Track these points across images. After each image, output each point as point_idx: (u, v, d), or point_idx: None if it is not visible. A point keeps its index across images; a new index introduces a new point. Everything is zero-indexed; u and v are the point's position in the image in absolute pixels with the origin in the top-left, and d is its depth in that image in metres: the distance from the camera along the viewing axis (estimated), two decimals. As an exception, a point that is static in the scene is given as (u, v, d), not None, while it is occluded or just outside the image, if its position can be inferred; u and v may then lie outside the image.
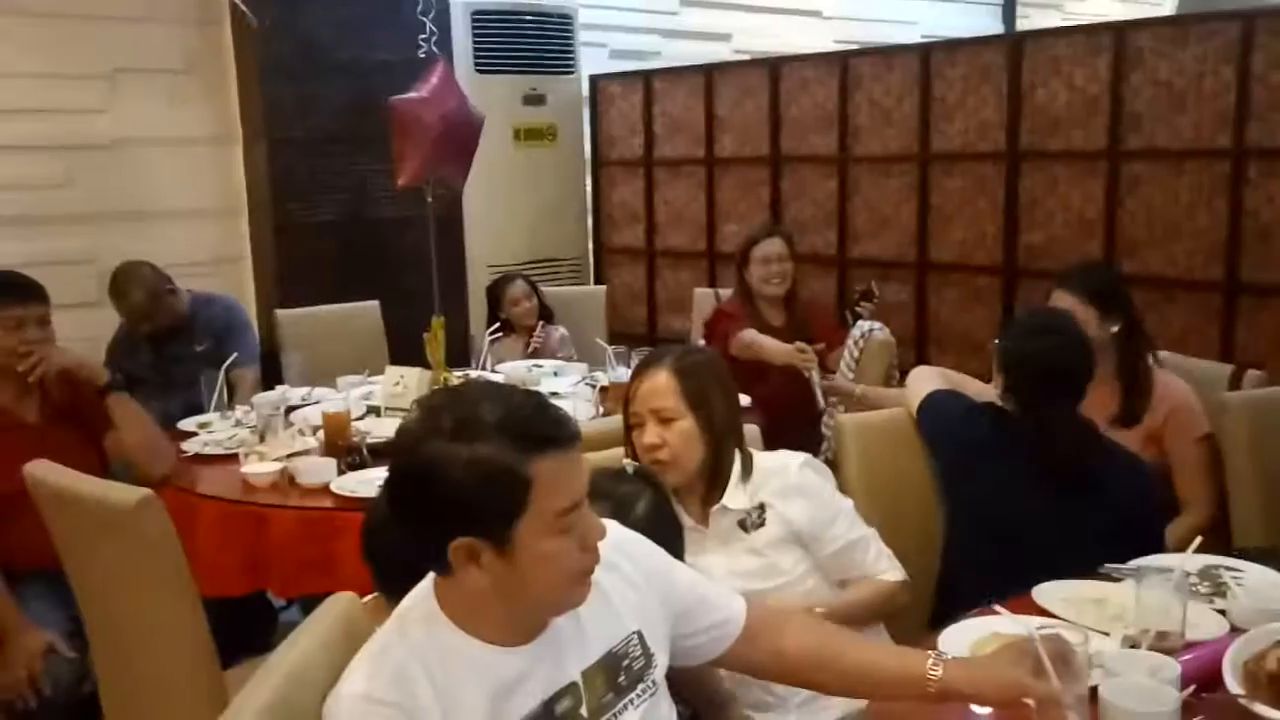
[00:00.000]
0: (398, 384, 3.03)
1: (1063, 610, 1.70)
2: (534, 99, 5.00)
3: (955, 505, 2.22)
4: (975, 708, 1.41)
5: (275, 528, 2.38)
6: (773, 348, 3.33)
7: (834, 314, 3.79)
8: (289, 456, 2.61)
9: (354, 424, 2.80)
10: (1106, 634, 1.60)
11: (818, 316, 3.68)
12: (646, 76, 5.12)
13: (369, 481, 2.39)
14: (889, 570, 1.92)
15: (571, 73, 5.13)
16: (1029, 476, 2.07)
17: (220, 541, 2.41)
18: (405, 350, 3.52)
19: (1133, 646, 1.52)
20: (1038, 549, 1.98)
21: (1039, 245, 3.84)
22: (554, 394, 2.98)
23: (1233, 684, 1.41)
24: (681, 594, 1.45)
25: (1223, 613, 1.68)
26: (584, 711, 1.29)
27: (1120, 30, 3.61)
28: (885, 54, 4.35)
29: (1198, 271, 3.45)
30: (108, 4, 4.02)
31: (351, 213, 4.48)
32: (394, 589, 1.36)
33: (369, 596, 1.54)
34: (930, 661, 1.39)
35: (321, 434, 2.74)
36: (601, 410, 2.97)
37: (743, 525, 1.88)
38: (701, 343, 3.56)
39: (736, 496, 1.88)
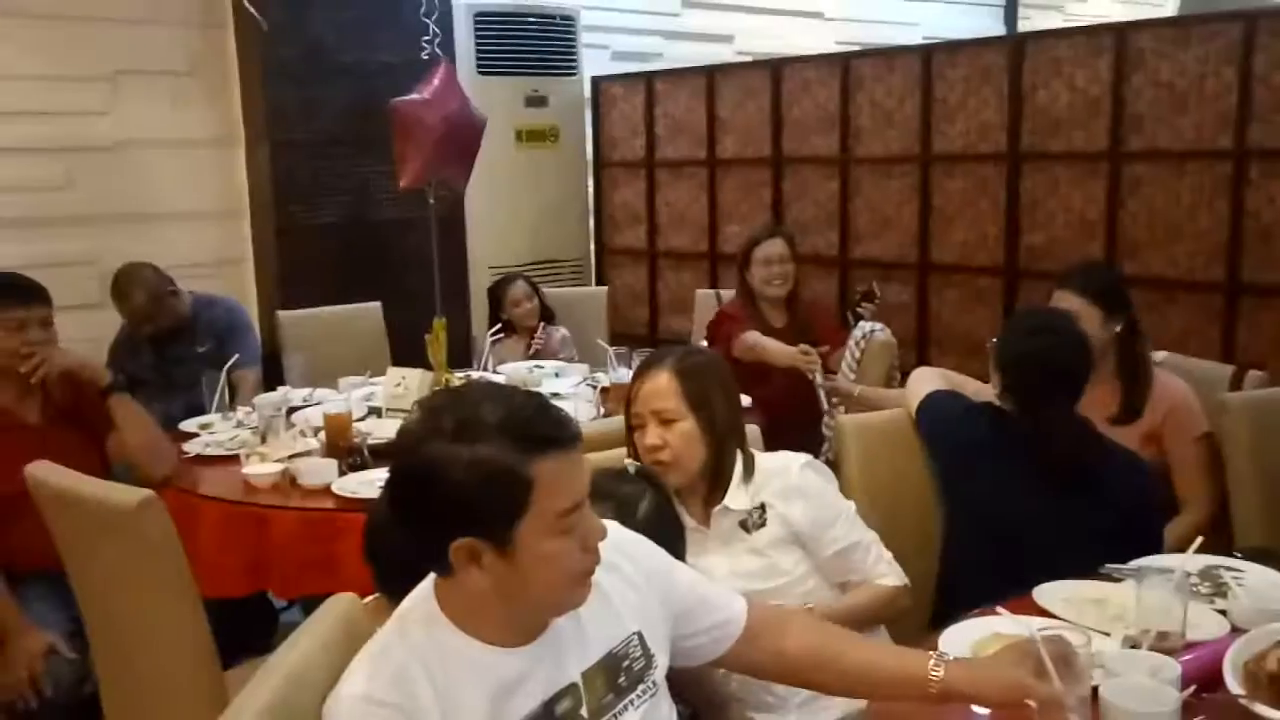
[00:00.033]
0: (399, 385, 3.03)
1: (1063, 610, 1.70)
2: (536, 100, 5.01)
3: (954, 505, 2.22)
4: (976, 709, 1.41)
5: (276, 529, 2.38)
6: (776, 350, 3.33)
7: (835, 315, 3.79)
8: (290, 457, 2.61)
9: (355, 425, 2.80)
10: (1107, 634, 1.60)
11: (819, 317, 3.68)
12: (648, 78, 5.12)
13: (370, 482, 2.40)
14: (888, 575, 1.91)
15: (573, 74, 5.13)
16: (1027, 476, 2.07)
17: (221, 542, 2.41)
18: (407, 351, 3.53)
19: (1133, 647, 1.52)
20: (1036, 549, 1.98)
21: (1040, 246, 3.84)
22: (555, 395, 2.99)
23: (1233, 684, 1.41)
24: (682, 594, 1.45)
25: (1223, 613, 1.68)
26: (584, 712, 1.29)
27: (1121, 31, 3.61)
28: (887, 55, 4.36)
29: (1199, 272, 3.45)
30: (109, 6, 4.03)
31: (353, 214, 4.48)
32: (395, 590, 1.36)
33: (370, 597, 1.54)
34: (932, 662, 1.39)
35: (323, 435, 2.74)
36: (603, 411, 2.97)
37: (744, 526, 1.88)
38: (704, 344, 3.55)
39: (738, 497, 1.88)
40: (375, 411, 3.07)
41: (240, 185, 4.44)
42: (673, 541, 1.74)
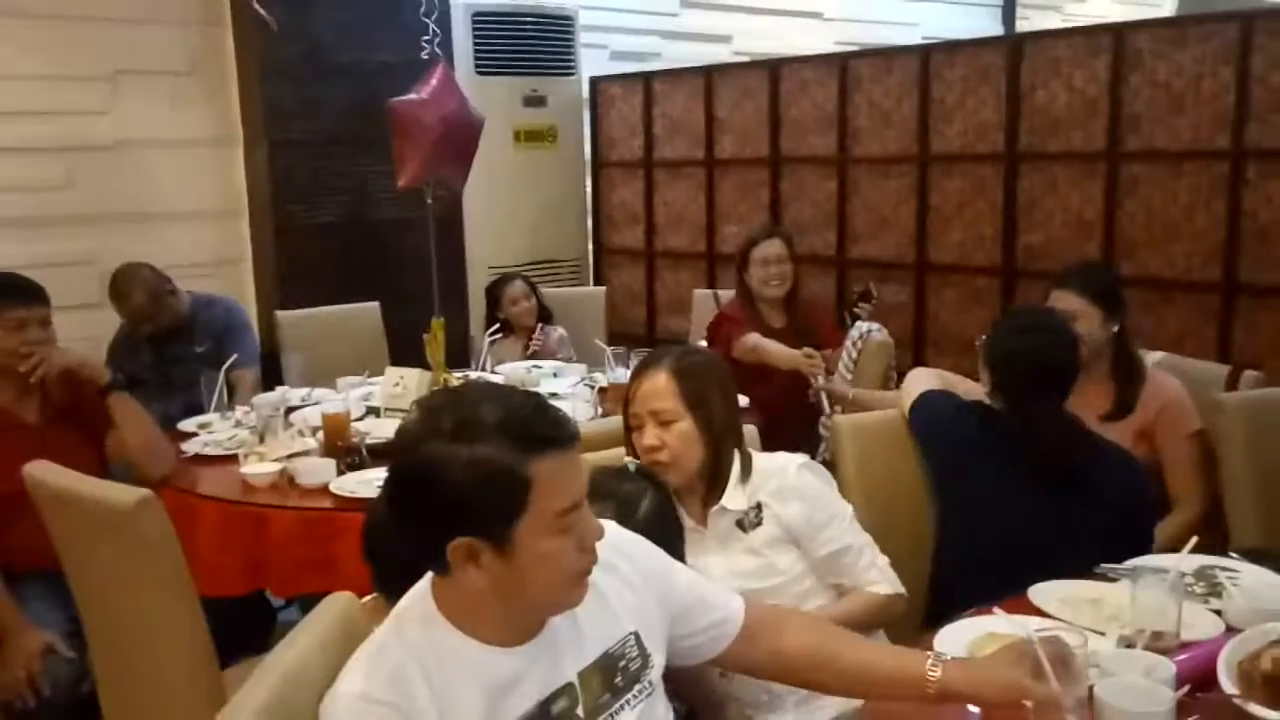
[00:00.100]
0: (397, 385, 3.03)
1: (1059, 610, 1.70)
2: (534, 100, 5.01)
3: (946, 505, 2.23)
4: (973, 708, 1.42)
5: (274, 528, 2.38)
6: (778, 353, 3.32)
7: (833, 315, 3.79)
8: (288, 457, 2.61)
9: (353, 425, 2.80)
10: (1102, 634, 1.61)
11: (818, 318, 3.68)
12: (646, 78, 5.12)
13: (368, 482, 2.40)
14: (880, 583, 1.89)
15: (572, 74, 5.14)
16: (1017, 475, 2.08)
17: (220, 542, 2.41)
18: (405, 351, 3.53)
19: (1128, 646, 1.52)
20: (1028, 547, 1.99)
21: (1038, 246, 3.85)
22: (553, 395, 2.99)
23: (1227, 684, 1.41)
24: (679, 594, 1.46)
25: (1218, 613, 1.68)
26: (580, 712, 1.30)
27: (1119, 32, 3.61)
28: (885, 55, 4.36)
29: (1196, 272, 3.46)
30: (109, 6, 4.03)
31: (352, 214, 4.48)
32: (393, 589, 1.36)
33: (368, 597, 1.54)
34: (929, 662, 1.40)
35: (321, 435, 2.75)
36: (600, 411, 2.98)
37: (741, 525, 1.88)
38: (702, 344, 3.55)
39: (735, 497, 1.89)
40: (373, 411, 3.07)
41: (239, 185, 4.44)
42: (673, 540, 1.75)
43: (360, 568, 1.57)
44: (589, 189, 5.40)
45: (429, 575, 1.29)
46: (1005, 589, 1.75)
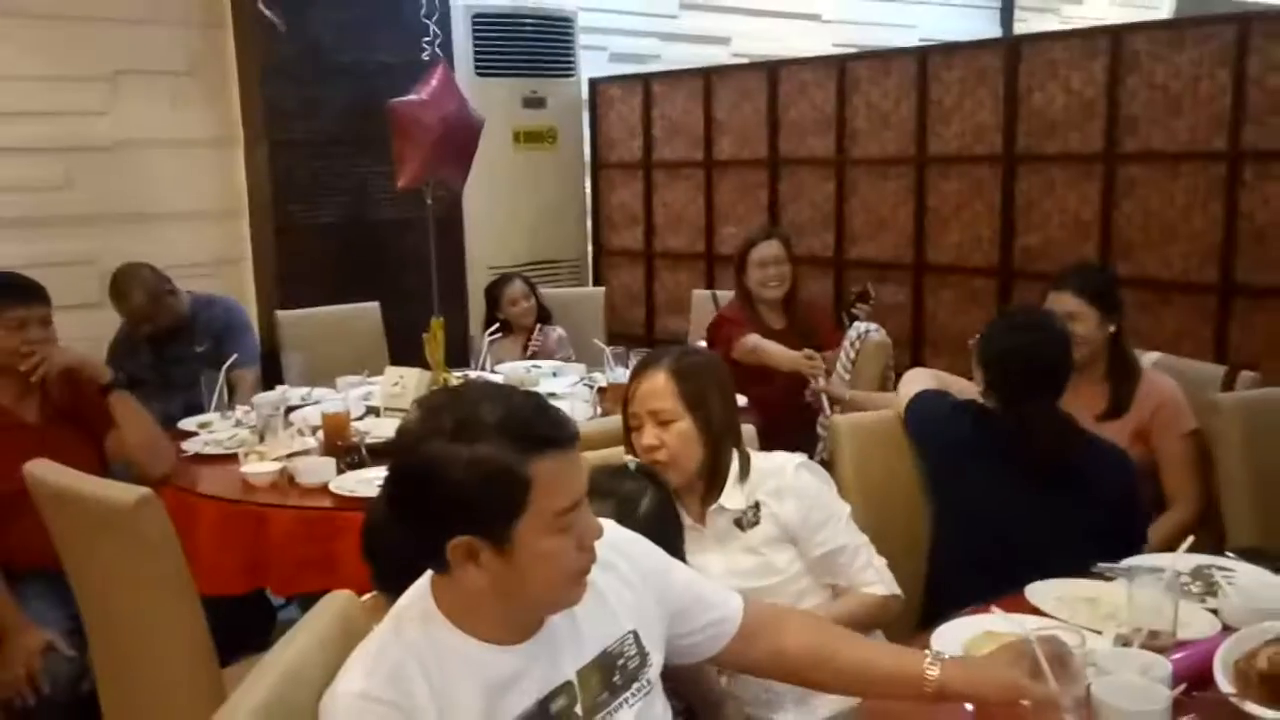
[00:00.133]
0: (397, 384, 3.04)
1: (1055, 609, 1.71)
2: (534, 102, 5.02)
3: (942, 504, 2.24)
4: (969, 707, 1.42)
5: (274, 527, 2.39)
6: (778, 354, 3.32)
7: (832, 316, 3.80)
8: (288, 456, 2.62)
9: (353, 424, 2.81)
10: (1099, 633, 1.61)
11: (818, 319, 3.68)
12: (646, 80, 5.13)
13: (368, 481, 2.41)
14: (875, 584, 1.90)
15: (571, 76, 5.14)
16: (1011, 473, 2.08)
17: (219, 541, 2.42)
18: (405, 351, 3.53)
19: (1125, 645, 1.53)
20: (1022, 546, 2.00)
21: (1035, 247, 3.85)
22: (552, 395, 2.99)
23: (1224, 683, 1.42)
24: (678, 593, 1.46)
25: (1214, 612, 1.69)
26: (579, 710, 1.30)
27: (1116, 34, 3.62)
28: (883, 57, 4.37)
29: (1193, 273, 3.46)
30: (109, 6, 4.03)
31: (352, 214, 4.49)
32: (393, 587, 1.36)
33: (368, 595, 1.55)
34: (927, 661, 1.40)
35: (321, 434, 2.75)
36: (599, 411, 2.98)
37: (739, 524, 1.89)
38: (702, 344, 3.56)
39: (733, 496, 1.89)
40: (373, 411, 3.08)
41: (239, 185, 4.45)
42: (674, 539, 1.75)
43: (360, 567, 1.58)
44: (588, 190, 5.40)
45: (428, 574, 1.30)
46: (1000, 587, 1.75)
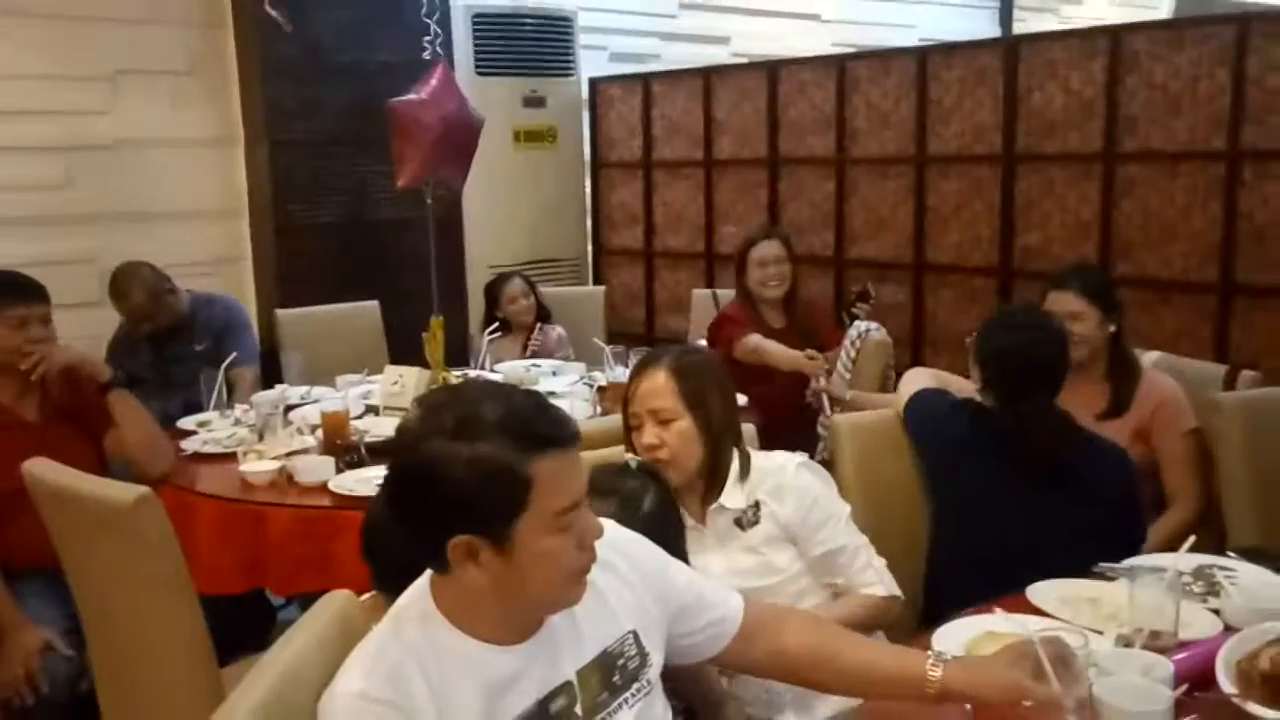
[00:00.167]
0: (396, 383, 3.03)
1: (1057, 609, 1.71)
2: (534, 101, 5.02)
3: (940, 503, 2.23)
4: (969, 708, 1.41)
5: (273, 526, 2.38)
6: (780, 354, 3.32)
7: (832, 315, 3.79)
8: (287, 455, 2.61)
9: (352, 423, 2.81)
10: (1100, 633, 1.61)
11: (818, 318, 3.68)
12: (645, 79, 5.13)
13: (367, 480, 2.41)
14: (875, 585, 1.89)
15: (571, 75, 5.14)
16: (1008, 472, 2.08)
17: (218, 540, 2.41)
18: (405, 350, 3.53)
19: (1126, 645, 1.52)
20: (1020, 545, 1.99)
21: (1035, 247, 3.85)
22: (551, 394, 2.99)
23: (1225, 683, 1.42)
24: (678, 593, 1.46)
25: (1216, 612, 1.68)
26: (578, 710, 1.30)
27: (1116, 33, 3.62)
28: (882, 57, 4.37)
29: (1193, 273, 3.46)
30: (110, 5, 4.03)
31: (352, 214, 4.48)
32: (392, 587, 1.36)
33: (367, 595, 1.54)
34: (929, 662, 1.39)
35: (320, 433, 2.75)
36: (599, 410, 2.98)
37: (739, 523, 1.89)
38: (702, 343, 3.56)
39: (733, 495, 1.89)
40: (372, 409, 3.08)
41: (239, 184, 4.44)
42: (676, 537, 1.74)
43: (359, 566, 1.57)
44: (588, 189, 5.40)
45: (427, 574, 1.29)
46: (998, 587, 1.75)
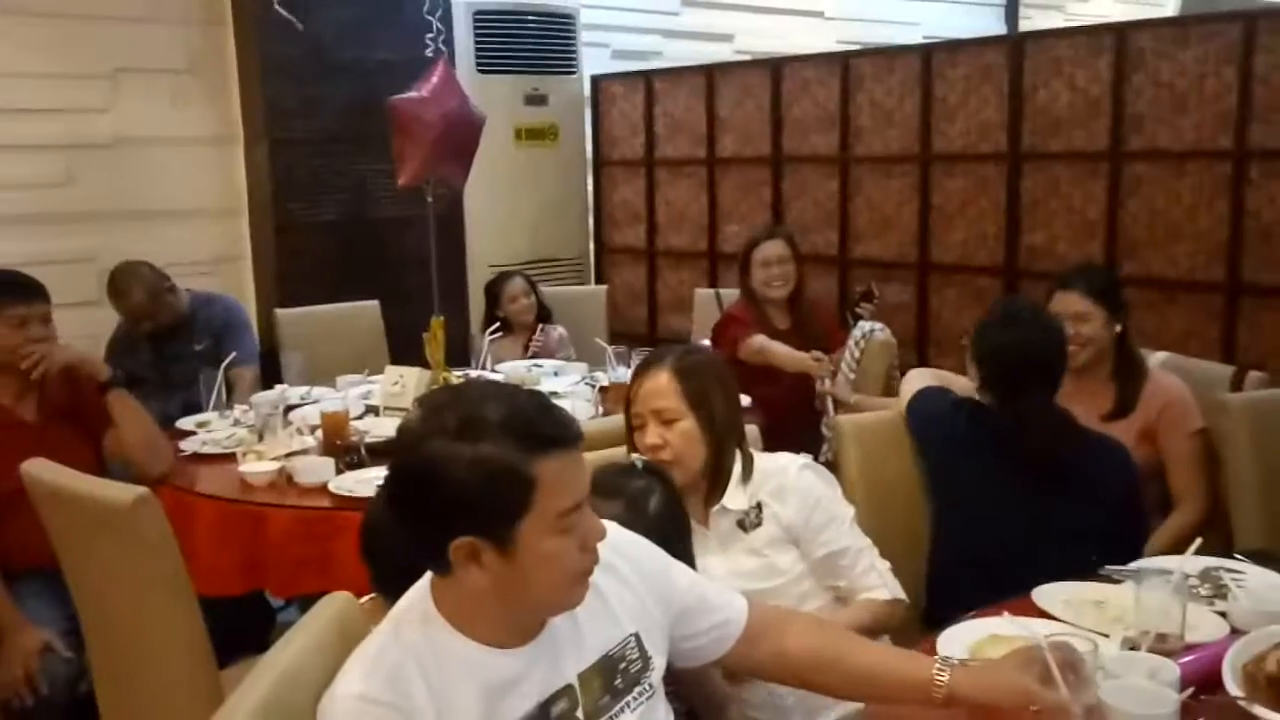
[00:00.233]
0: (396, 383, 3.03)
1: (1063, 612, 1.69)
2: (535, 99, 5.01)
3: (941, 502, 2.22)
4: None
5: (273, 527, 2.38)
6: (784, 355, 3.31)
7: (836, 315, 3.78)
8: (287, 456, 2.61)
9: (352, 423, 2.80)
10: (1106, 636, 1.60)
11: (823, 319, 3.67)
12: (648, 77, 5.12)
13: (367, 481, 2.40)
14: (878, 588, 1.88)
15: (573, 73, 5.13)
16: (1005, 470, 2.07)
17: (218, 541, 2.41)
18: (405, 350, 3.53)
19: (1132, 648, 1.51)
20: (1020, 544, 1.98)
21: (1040, 246, 3.84)
22: (553, 394, 2.98)
23: (1232, 686, 1.41)
24: (680, 595, 1.45)
25: (1223, 615, 1.67)
26: (580, 714, 1.29)
27: (1122, 31, 3.60)
28: (887, 54, 4.36)
29: (1199, 272, 3.45)
30: (110, 4, 4.03)
31: (352, 212, 4.48)
32: (392, 589, 1.35)
33: (366, 597, 1.54)
34: (936, 666, 1.38)
35: (320, 433, 2.74)
36: (601, 410, 2.97)
37: (741, 525, 1.88)
38: (706, 344, 3.54)
39: (736, 497, 1.88)
40: (373, 410, 3.07)
41: (239, 183, 4.44)
42: (682, 537, 1.73)
43: (359, 567, 1.57)
44: (590, 187, 5.40)
45: (428, 576, 1.28)
46: (998, 586, 1.73)
